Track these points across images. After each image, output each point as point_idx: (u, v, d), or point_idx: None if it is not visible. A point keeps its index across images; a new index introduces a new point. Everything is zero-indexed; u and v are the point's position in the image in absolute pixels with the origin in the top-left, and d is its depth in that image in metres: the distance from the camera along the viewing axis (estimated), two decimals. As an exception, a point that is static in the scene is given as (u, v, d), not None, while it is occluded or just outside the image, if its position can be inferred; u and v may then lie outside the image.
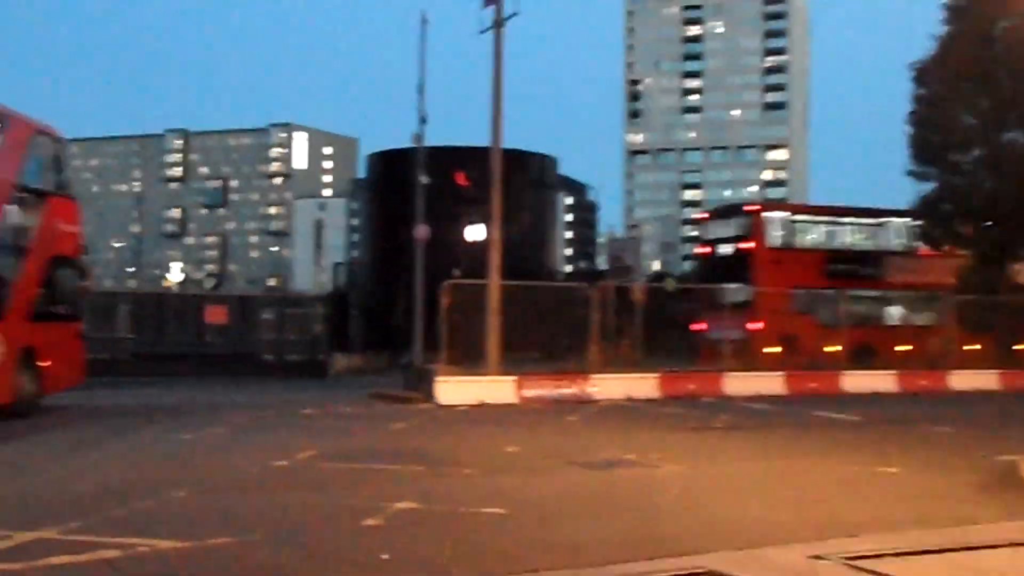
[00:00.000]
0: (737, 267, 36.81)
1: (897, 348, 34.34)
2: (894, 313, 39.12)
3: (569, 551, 8.66)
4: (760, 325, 34.93)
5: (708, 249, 40.26)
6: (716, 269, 37.90)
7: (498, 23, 25.68)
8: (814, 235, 39.82)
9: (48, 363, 20.21)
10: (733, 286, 35.60)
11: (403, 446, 16.07)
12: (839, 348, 32.18)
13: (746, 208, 40.01)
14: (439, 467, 13.52)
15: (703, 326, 34.17)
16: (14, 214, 19.69)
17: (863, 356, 32.61)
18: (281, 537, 8.99)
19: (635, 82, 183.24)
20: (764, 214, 39.08)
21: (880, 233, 40.95)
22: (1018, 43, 37.98)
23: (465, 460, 14.11)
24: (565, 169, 74.61)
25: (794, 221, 40.07)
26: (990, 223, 38.40)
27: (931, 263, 38.99)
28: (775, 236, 38.18)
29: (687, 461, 14.30)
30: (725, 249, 38.83)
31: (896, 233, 40.98)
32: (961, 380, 31.05)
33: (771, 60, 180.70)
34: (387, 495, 10.93)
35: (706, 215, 44.30)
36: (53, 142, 21.93)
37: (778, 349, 33.73)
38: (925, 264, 39.05)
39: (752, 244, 37.35)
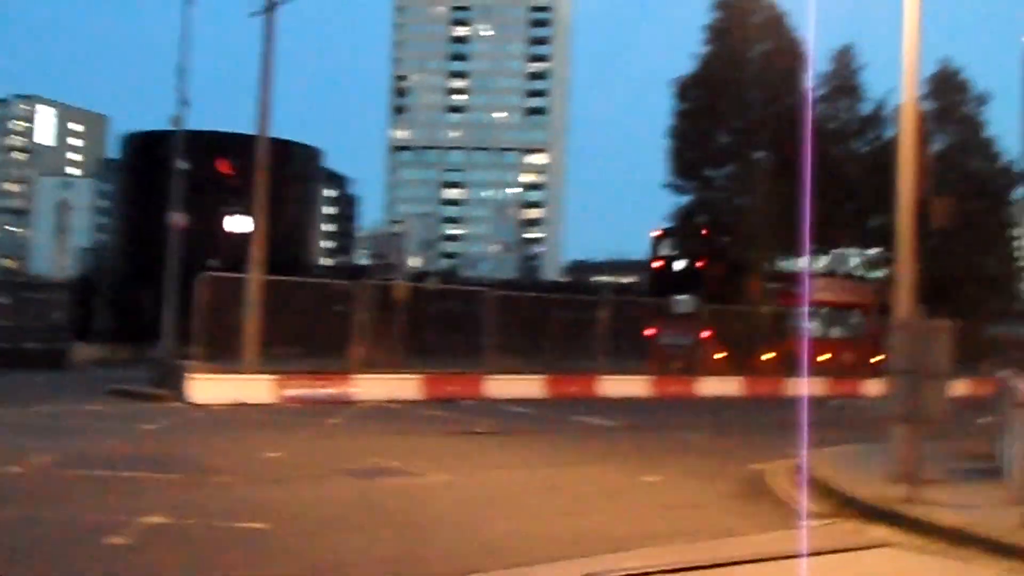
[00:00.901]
0: (689, 281, 40.05)
1: (819, 358, 37.55)
2: (813, 326, 42.44)
3: (335, 571, 8.15)
4: (709, 333, 37.28)
5: (661, 263, 42.79)
6: (669, 281, 40.93)
7: (269, 7, 24.70)
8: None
9: None
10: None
11: (152, 451, 15.03)
12: (773, 355, 35.18)
13: (703, 232, 43.04)
14: (193, 475, 12.66)
15: (653, 332, 35.23)
16: None
17: (790, 362, 35.24)
18: (9, 558, 8.02)
19: (401, 78, 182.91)
20: None
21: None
22: (770, 67, 40.05)
23: (222, 467, 13.29)
24: (327, 161, 73.40)
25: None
26: (738, 238, 40.31)
27: (848, 284, 44.30)
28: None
29: (453, 469, 14.00)
30: (678, 265, 41.97)
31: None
32: (708, 386, 32.34)
33: (534, 66, 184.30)
34: (134, 508, 10.07)
35: (661, 232, 45.73)
36: None
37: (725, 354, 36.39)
38: (843, 285, 43.95)
39: (705, 262, 40.60)
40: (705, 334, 37.44)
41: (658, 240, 45.97)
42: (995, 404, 15.64)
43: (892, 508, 11.28)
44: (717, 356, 36.23)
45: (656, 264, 43.63)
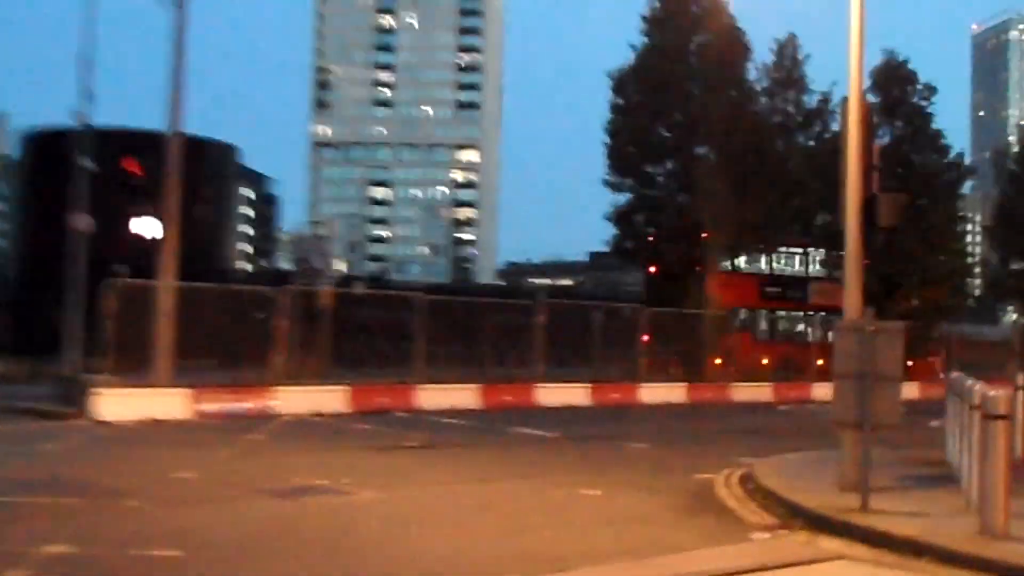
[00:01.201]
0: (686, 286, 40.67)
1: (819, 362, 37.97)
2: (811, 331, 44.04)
3: (257, 602, 8.03)
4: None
5: (657, 268, 43.55)
6: (666, 287, 41.48)
7: (180, -4, 24.41)
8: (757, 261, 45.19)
9: None
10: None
11: (55, 473, 14.68)
12: (766, 361, 36.30)
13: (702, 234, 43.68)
14: (100, 499, 12.42)
15: (646, 339, 35.25)
16: None
17: (788, 368, 36.89)
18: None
19: (324, 70, 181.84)
20: None
21: (803, 261, 46.73)
22: (710, 59, 40.43)
23: (132, 490, 13.04)
24: (246, 159, 72.97)
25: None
26: (679, 236, 40.68)
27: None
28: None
29: (383, 486, 13.92)
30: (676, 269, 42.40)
31: (815, 261, 46.44)
32: (651, 393, 32.52)
33: (465, 58, 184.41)
34: (36, 537, 9.83)
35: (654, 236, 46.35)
36: None
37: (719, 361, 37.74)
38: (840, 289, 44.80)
39: (701, 267, 41.34)
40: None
41: (654, 244, 46.75)
42: (947, 407, 15.89)
43: (843, 518, 11.40)
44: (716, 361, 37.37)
45: (653, 268, 44.36)
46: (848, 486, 12.80)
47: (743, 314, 43.56)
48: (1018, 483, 10.75)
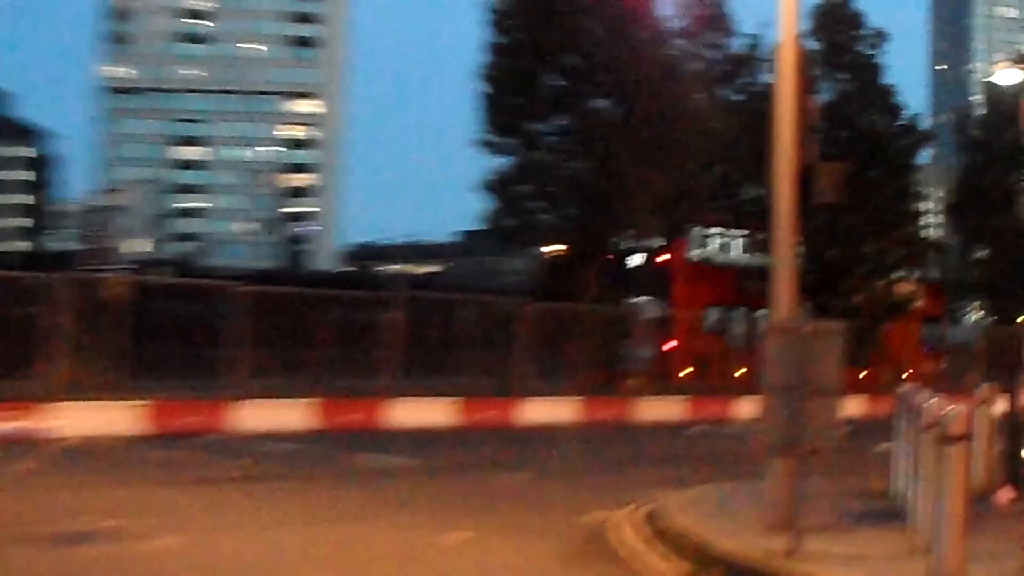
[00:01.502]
0: (650, 281, 42.51)
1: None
2: None
3: None
4: (674, 344, 40.11)
5: (612, 257, 43.55)
6: (623, 280, 42.44)
7: None
8: (730, 250, 47.22)
9: None
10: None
11: None
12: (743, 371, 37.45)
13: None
14: None
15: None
16: None
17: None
18: None
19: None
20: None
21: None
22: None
23: None
24: (16, 109, 71.11)
25: (709, 235, 47.36)
26: (575, 211, 41.03)
27: None
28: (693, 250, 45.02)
29: (190, 530, 13.82)
30: (635, 260, 44.04)
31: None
32: (536, 410, 32.72)
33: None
34: None
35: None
36: None
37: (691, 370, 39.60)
38: None
39: (669, 257, 43.08)
40: (670, 345, 40.02)
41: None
42: (895, 427, 16.32)
43: (769, 565, 11.66)
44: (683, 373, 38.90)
45: (607, 257, 44.80)
46: (776, 525, 13.06)
47: (715, 314, 45.41)
48: (978, 518, 11.09)
